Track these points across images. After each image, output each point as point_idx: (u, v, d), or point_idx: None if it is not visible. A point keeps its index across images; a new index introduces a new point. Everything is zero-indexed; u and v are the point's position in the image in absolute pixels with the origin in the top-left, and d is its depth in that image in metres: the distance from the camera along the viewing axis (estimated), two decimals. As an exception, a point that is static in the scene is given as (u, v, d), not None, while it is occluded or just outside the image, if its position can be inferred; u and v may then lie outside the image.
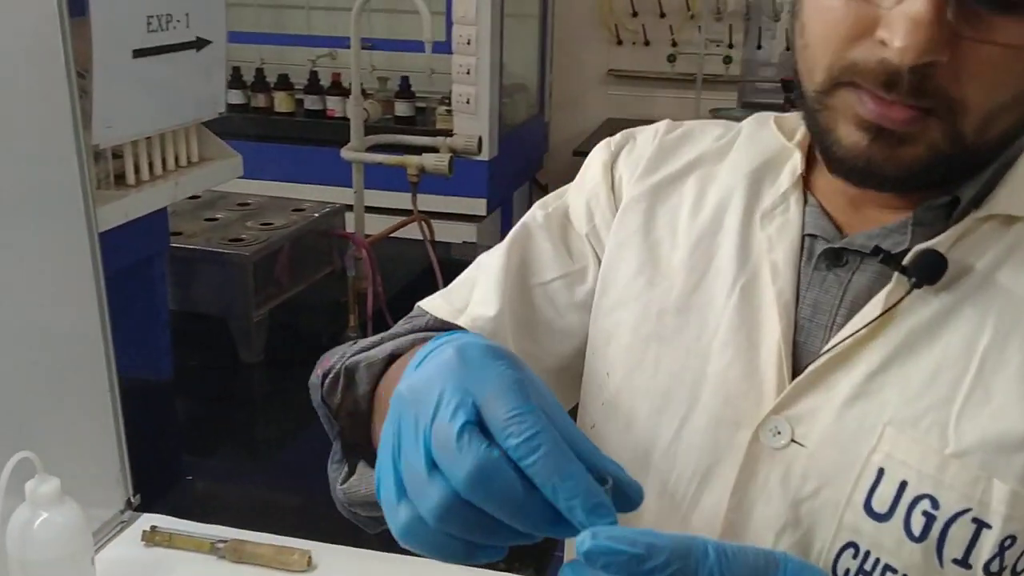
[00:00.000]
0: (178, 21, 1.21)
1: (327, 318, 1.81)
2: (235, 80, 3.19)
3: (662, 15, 3.53)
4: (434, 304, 0.68)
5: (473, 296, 0.68)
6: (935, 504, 0.53)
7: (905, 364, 0.54)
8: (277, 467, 1.38)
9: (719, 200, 0.64)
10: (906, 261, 0.54)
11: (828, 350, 0.56)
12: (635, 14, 3.56)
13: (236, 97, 3.18)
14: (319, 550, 1.13)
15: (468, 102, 3.05)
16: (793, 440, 0.56)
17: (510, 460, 0.38)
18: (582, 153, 3.54)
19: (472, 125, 2.99)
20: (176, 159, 1.33)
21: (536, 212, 0.72)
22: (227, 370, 1.62)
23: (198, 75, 1.28)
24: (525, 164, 3.62)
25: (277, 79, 3.32)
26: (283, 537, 1.16)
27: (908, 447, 0.53)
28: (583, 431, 0.66)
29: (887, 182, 0.54)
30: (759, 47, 3.50)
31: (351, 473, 0.62)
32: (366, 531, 0.60)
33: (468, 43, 2.99)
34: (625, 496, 0.41)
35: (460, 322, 0.66)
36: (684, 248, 0.64)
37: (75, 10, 1.09)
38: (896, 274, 0.54)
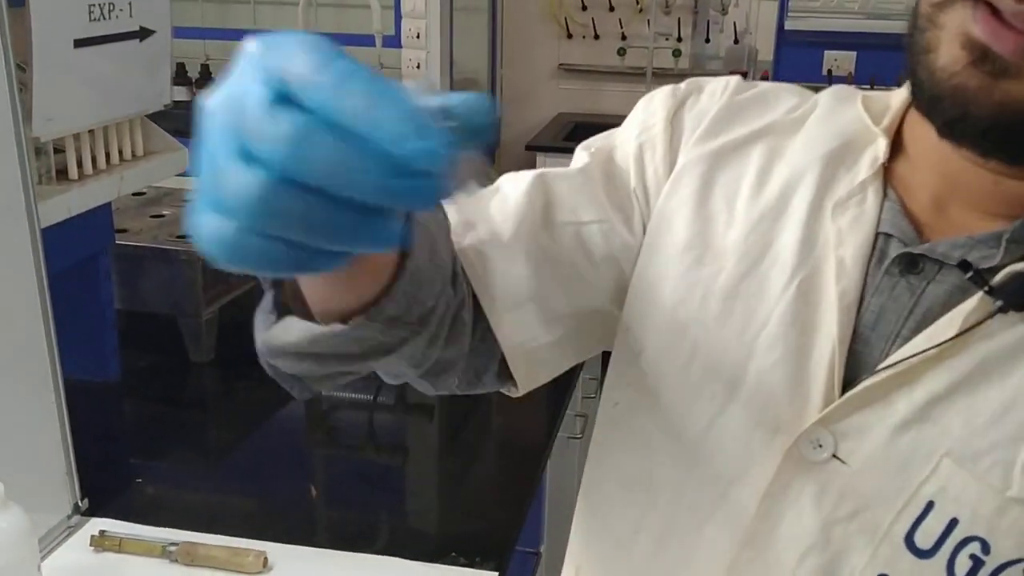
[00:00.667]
0: (121, 11, 1.18)
1: (279, 316, 1.77)
2: (180, 76, 3.12)
3: (611, 8, 3.54)
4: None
5: (490, 211, 0.62)
6: (986, 548, 0.49)
7: (975, 392, 0.50)
8: (229, 468, 1.35)
9: (787, 179, 0.59)
10: (996, 281, 0.50)
11: (890, 365, 0.51)
12: (584, 8, 3.56)
13: (182, 94, 3.11)
14: (274, 551, 1.11)
15: (418, 97, 3.03)
16: (835, 456, 0.52)
17: (328, 121, 0.32)
18: (534, 148, 3.53)
19: (423, 120, 2.96)
20: (120, 153, 1.30)
21: (578, 153, 0.66)
22: (177, 370, 1.58)
23: (142, 66, 1.24)
24: (474, 161, 3.60)
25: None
26: (237, 539, 1.14)
27: (965, 483, 0.49)
28: (607, 408, 0.63)
29: (970, 123, 0.49)
30: (707, 40, 3.53)
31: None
32: (292, 394, 0.54)
33: (417, 37, 2.97)
34: (475, 126, 0.35)
35: (467, 241, 0.59)
36: (741, 227, 0.59)
37: (13, 0, 1.05)
38: (980, 293, 0.50)
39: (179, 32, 1.41)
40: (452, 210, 0.61)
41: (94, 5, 1.14)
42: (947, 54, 0.48)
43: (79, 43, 1.13)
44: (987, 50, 0.47)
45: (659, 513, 0.59)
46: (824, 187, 0.58)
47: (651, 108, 0.66)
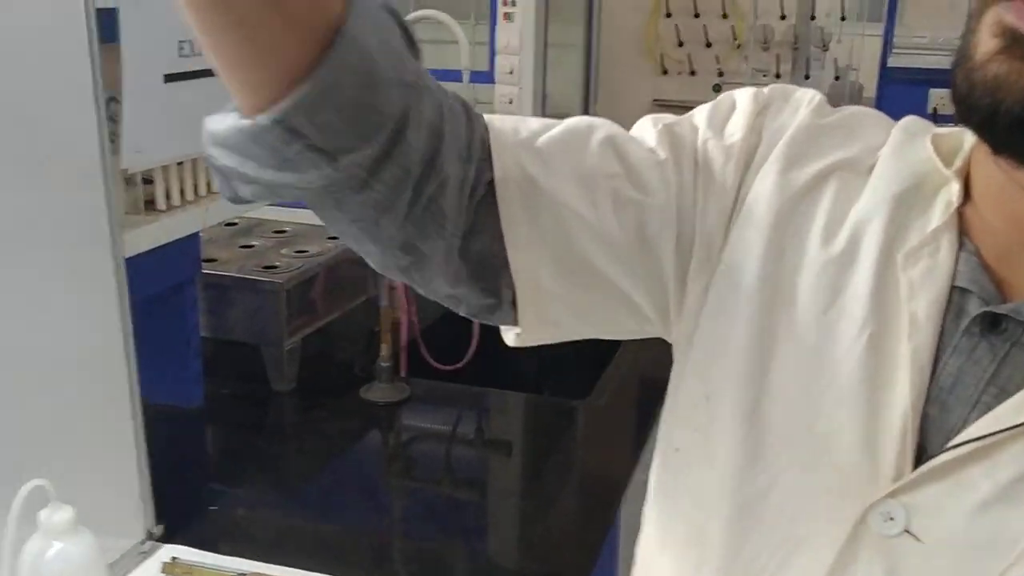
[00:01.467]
0: (210, 47, 1.20)
1: (360, 347, 1.79)
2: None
3: (708, 45, 3.50)
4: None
5: (556, 147, 0.61)
6: None
7: None
8: (306, 498, 1.35)
9: (856, 223, 0.56)
10: None
11: (970, 440, 0.47)
12: (681, 44, 3.53)
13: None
14: (339, 586, 1.10)
15: (511, 132, 3.04)
16: (907, 531, 0.49)
17: None
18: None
19: (514, 154, 2.97)
20: (208, 185, 1.32)
21: (646, 126, 0.64)
22: (258, 398, 1.60)
23: (228, 100, 1.26)
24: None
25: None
26: (307, 573, 1.13)
27: None
28: (667, 452, 0.60)
29: (1002, 115, 0.46)
30: (807, 76, 3.45)
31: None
32: (221, 192, 0.56)
33: (511, 73, 2.98)
34: None
35: (520, 159, 0.60)
36: (810, 271, 0.56)
37: (106, 36, 1.09)
38: None
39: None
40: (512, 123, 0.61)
41: (184, 41, 1.17)
42: (981, 47, 0.47)
43: (169, 78, 1.16)
44: (1017, 34, 0.45)
45: (711, 574, 0.56)
46: (894, 233, 0.55)
47: (733, 114, 0.63)
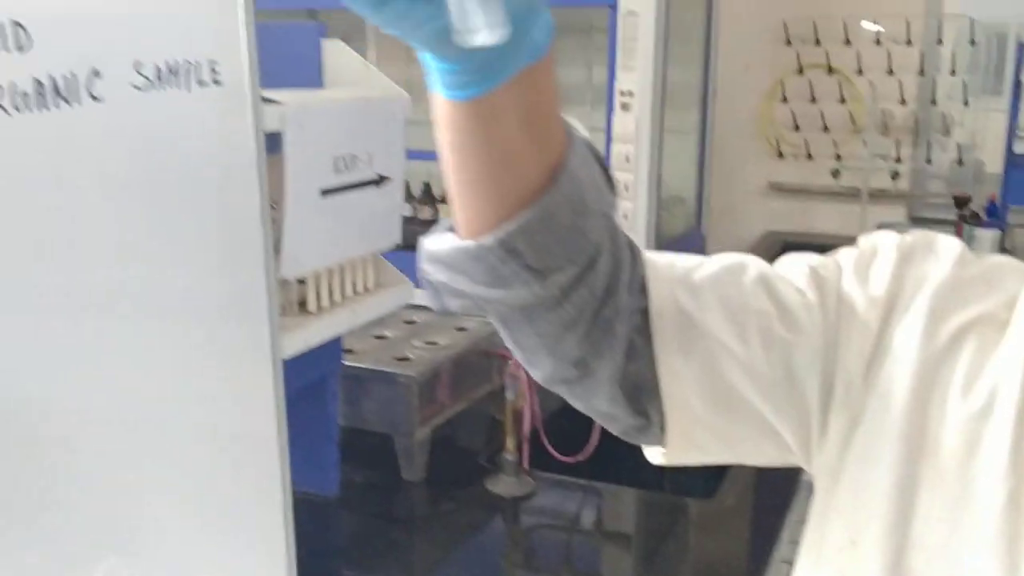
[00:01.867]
0: (362, 161, 1.29)
1: (485, 437, 1.84)
2: (405, 194, 3.34)
3: (825, 129, 3.50)
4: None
5: (710, 282, 0.67)
6: None
7: None
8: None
9: (994, 380, 0.58)
10: None
11: None
12: (797, 128, 3.54)
13: (403, 210, 3.33)
14: None
15: (626, 217, 3.09)
16: None
17: None
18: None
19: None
20: (353, 286, 1.41)
21: (795, 265, 0.69)
22: (390, 487, 1.66)
23: (378, 209, 1.36)
24: (682, 277, 3.60)
25: (442, 193, 3.46)
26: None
27: None
28: None
29: None
30: (928, 161, 3.41)
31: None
32: (431, 305, 0.64)
33: (627, 160, 3.04)
34: None
35: (676, 294, 0.66)
36: (952, 425, 0.58)
37: (270, 147, 1.18)
38: None
39: (408, 154, 1.50)
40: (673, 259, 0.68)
41: (339, 157, 1.26)
42: None
43: (325, 192, 1.25)
44: None
45: None
46: None
47: (876, 261, 0.66)
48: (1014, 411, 0.56)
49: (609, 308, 0.62)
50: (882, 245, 0.67)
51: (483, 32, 0.42)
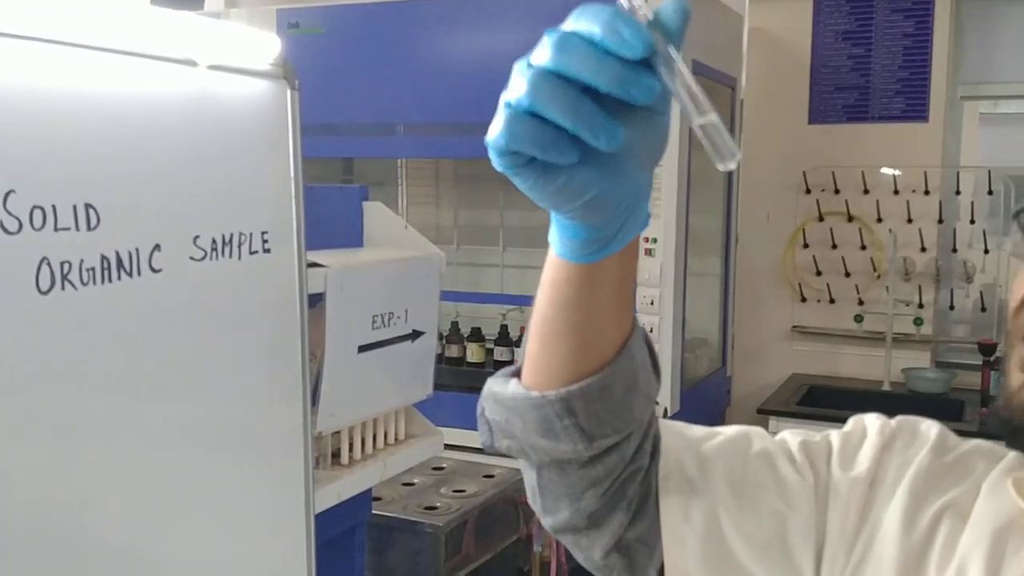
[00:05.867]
0: (398, 317, 1.34)
1: (512, 589, 1.82)
2: (432, 334, 3.40)
3: (847, 274, 3.55)
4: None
5: (717, 461, 0.73)
6: None
7: None
8: None
9: (964, 552, 0.65)
10: None
11: None
12: (819, 273, 3.59)
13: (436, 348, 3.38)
14: None
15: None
16: None
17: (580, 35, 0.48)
18: (767, 411, 3.43)
19: (655, 383, 3.03)
20: (385, 436, 1.43)
21: (789, 441, 0.76)
22: (415, 640, 1.64)
23: (412, 362, 1.40)
24: (707, 419, 3.58)
25: (470, 331, 3.51)
26: None
27: None
28: None
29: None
30: (951, 307, 3.43)
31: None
32: (481, 441, 0.70)
33: (652, 304, 3.09)
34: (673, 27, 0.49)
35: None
36: None
37: (311, 300, 1.23)
38: None
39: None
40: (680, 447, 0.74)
41: (377, 316, 1.31)
42: (1014, 381, 0.60)
43: (362, 348, 1.30)
44: None
45: None
46: (996, 566, 0.63)
47: (863, 444, 0.74)
48: None
49: (629, 472, 0.69)
50: (869, 429, 0.75)
51: (736, 155, 0.47)
